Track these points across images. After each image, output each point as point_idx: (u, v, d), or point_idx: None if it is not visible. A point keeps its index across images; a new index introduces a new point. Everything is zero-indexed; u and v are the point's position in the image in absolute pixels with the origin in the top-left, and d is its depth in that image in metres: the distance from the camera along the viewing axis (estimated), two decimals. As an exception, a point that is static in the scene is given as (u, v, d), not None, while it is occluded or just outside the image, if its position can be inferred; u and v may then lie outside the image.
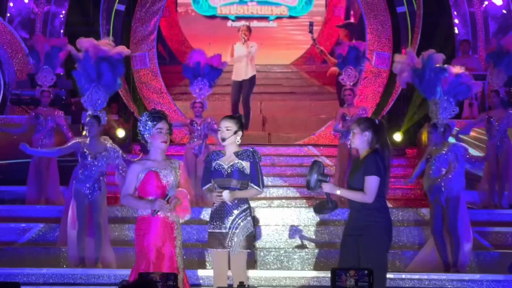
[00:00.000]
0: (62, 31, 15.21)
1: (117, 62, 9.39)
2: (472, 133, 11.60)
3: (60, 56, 11.22)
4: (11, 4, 14.67)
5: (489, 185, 10.86)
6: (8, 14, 14.58)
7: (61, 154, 9.63)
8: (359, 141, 6.13)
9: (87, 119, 9.06)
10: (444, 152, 9.03)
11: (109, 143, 9.03)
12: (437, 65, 9.38)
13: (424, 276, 8.52)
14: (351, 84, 11.31)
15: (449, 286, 8.43)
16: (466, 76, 9.37)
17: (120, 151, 9.09)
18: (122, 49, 9.53)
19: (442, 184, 8.93)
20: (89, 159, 8.90)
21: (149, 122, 6.21)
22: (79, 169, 9.01)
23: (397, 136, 12.24)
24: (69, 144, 9.15)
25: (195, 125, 10.94)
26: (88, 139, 8.99)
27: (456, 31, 15.14)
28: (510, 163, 10.83)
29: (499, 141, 10.77)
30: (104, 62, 9.27)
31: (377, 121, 6.18)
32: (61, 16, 15.30)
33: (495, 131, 10.79)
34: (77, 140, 9.10)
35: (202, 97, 11.00)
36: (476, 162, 9.76)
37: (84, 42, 9.41)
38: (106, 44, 9.55)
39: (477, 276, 8.46)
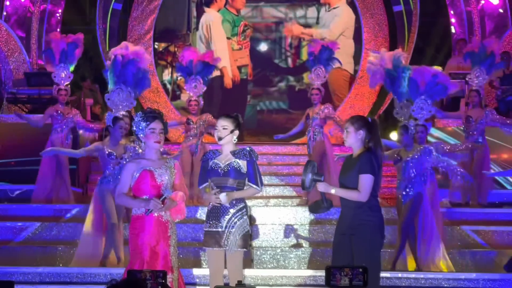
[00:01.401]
0: (58, 29, 15.20)
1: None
2: (449, 130, 11.71)
3: (76, 53, 11.13)
4: (8, 3, 14.65)
5: (462, 184, 10.88)
6: (5, 13, 14.57)
7: (85, 156, 9.73)
8: (353, 140, 6.13)
9: (117, 121, 8.99)
10: (416, 155, 9.00)
11: (130, 144, 9.03)
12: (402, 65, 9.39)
13: (421, 275, 8.52)
14: (319, 83, 11.24)
15: (445, 285, 8.43)
16: (443, 76, 9.34)
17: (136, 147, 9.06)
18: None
19: (406, 184, 8.93)
20: (114, 157, 8.84)
21: (142, 122, 6.20)
22: (104, 170, 9.00)
23: (394, 135, 12.24)
24: (92, 147, 9.17)
25: (191, 123, 10.96)
26: (109, 141, 8.98)
27: (453, 30, 15.16)
28: (485, 163, 10.86)
29: (475, 141, 10.78)
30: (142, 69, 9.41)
31: (370, 120, 6.19)
32: (58, 15, 15.29)
33: (473, 130, 10.82)
34: (100, 143, 9.13)
35: (197, 95, 11.04)
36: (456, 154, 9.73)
37: (141, 52, 9.49)
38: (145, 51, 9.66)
39: (473, 275, 8.46)
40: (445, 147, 9.45)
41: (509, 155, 11.82)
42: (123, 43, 9.65)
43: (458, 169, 9.26)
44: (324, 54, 11.22)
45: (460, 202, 10.91)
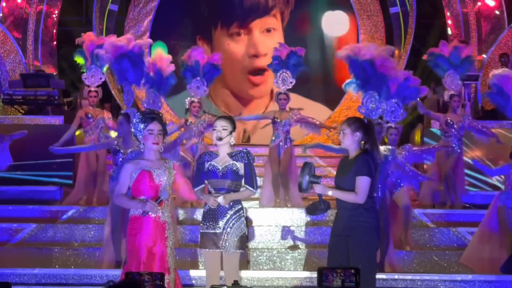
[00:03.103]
0: (55, 31, 15.21)
1: (137, 57, 9.30)
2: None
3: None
4: (4, 4, 14.65)
5: (433, 185, 10.92)
6: (1, 14, 14.56)
7: (95, 150, 9.85)
8: (350, 142, 6.13)
9: (119, 117, 8.89)
10: (388, 155, 8.98)
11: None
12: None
13: (417, 276, 8.52)
14: (286, 89, 11.15)
15: (442, 287, 8.43)
16: (415, 80, 9.29)
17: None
18: (142, 42, 9.37)
19: (379, 185, 8.92)
20: (120, 154, 8.74)
21: (140, 124, 6.19)
22: (112, 168, 8.94)
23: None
24: (105, 141, 9.11)
25: (190, 124, 10.91)
26: (122, 138, 8.91)
27: (449, 31, 15.18)
28: (459, 167, 10.93)
29: (452, 144, 10.83)
30: (125, 58, 9.20)
31: (366, 121, 6.19)
32: (54, 16, 15.29)
33: (452, 134, 10.84)
34: (112, 138, 9.07)
35: (199, 97, 10.98)
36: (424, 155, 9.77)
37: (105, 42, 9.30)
38: (124, 39, 9.45)
39: (469, 277, 8.46)
40: (414, 148, 9.45)
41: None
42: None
43: (409, 170, 9.16)
44: (292, 59, 11.15)
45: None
